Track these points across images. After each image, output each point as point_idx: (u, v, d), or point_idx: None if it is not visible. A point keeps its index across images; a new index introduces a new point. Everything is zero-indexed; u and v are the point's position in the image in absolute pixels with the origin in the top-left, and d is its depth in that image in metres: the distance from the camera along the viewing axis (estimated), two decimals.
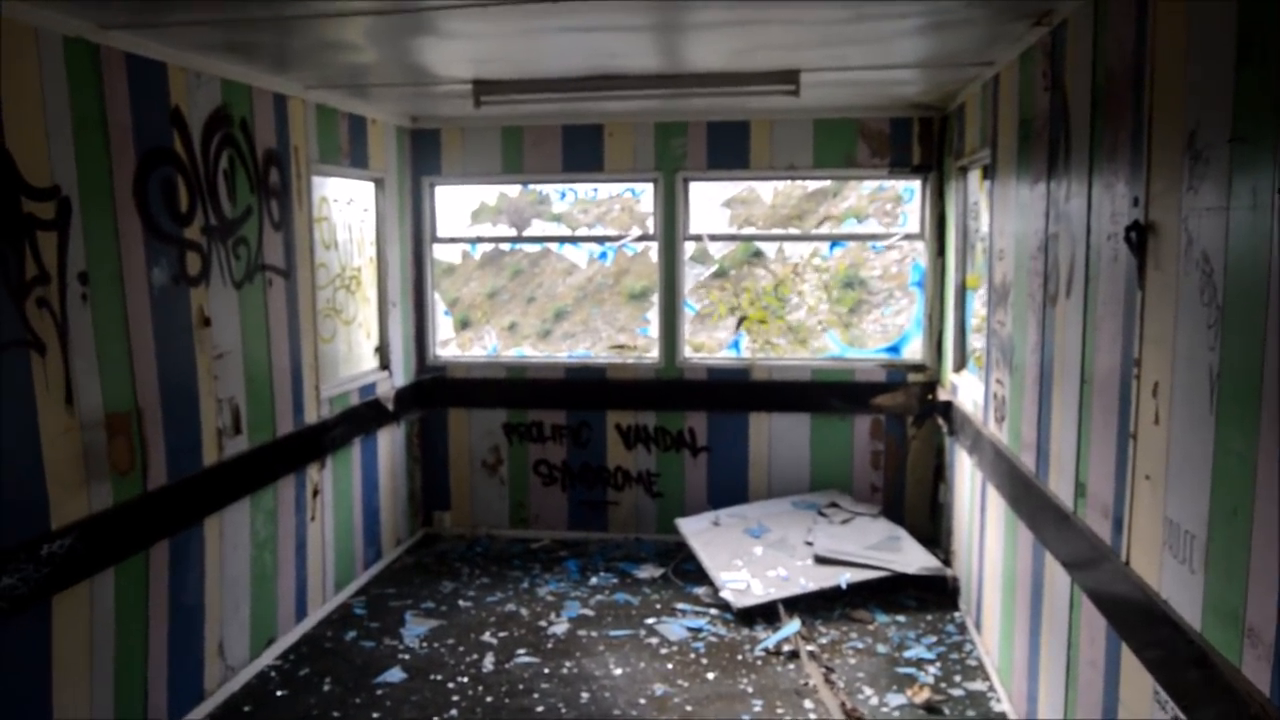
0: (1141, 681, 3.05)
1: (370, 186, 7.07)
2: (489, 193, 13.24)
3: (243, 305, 5.27)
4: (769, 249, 8.02)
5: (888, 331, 8.38)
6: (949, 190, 6.90)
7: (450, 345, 7.99)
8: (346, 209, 6.71)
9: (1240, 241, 2.46)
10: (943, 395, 6.88)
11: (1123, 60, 3.37)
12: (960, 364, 6.70)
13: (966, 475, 6.11)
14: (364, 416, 6.78)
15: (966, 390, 6.21)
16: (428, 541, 7.71)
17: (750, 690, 5.20)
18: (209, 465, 4.97)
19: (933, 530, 7.23)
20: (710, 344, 12.07)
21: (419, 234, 7.66)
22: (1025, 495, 4.59)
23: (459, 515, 7.88)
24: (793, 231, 9.02)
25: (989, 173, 5.77)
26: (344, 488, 6.56)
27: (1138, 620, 3.09)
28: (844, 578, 6.23)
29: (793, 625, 5.81)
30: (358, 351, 6.89)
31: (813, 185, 9.75)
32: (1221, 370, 2.53)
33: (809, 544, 6.67)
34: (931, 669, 5.42)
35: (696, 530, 6.97)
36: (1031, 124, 4.61)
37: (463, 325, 18.21)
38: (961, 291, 6.67)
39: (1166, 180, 2.96)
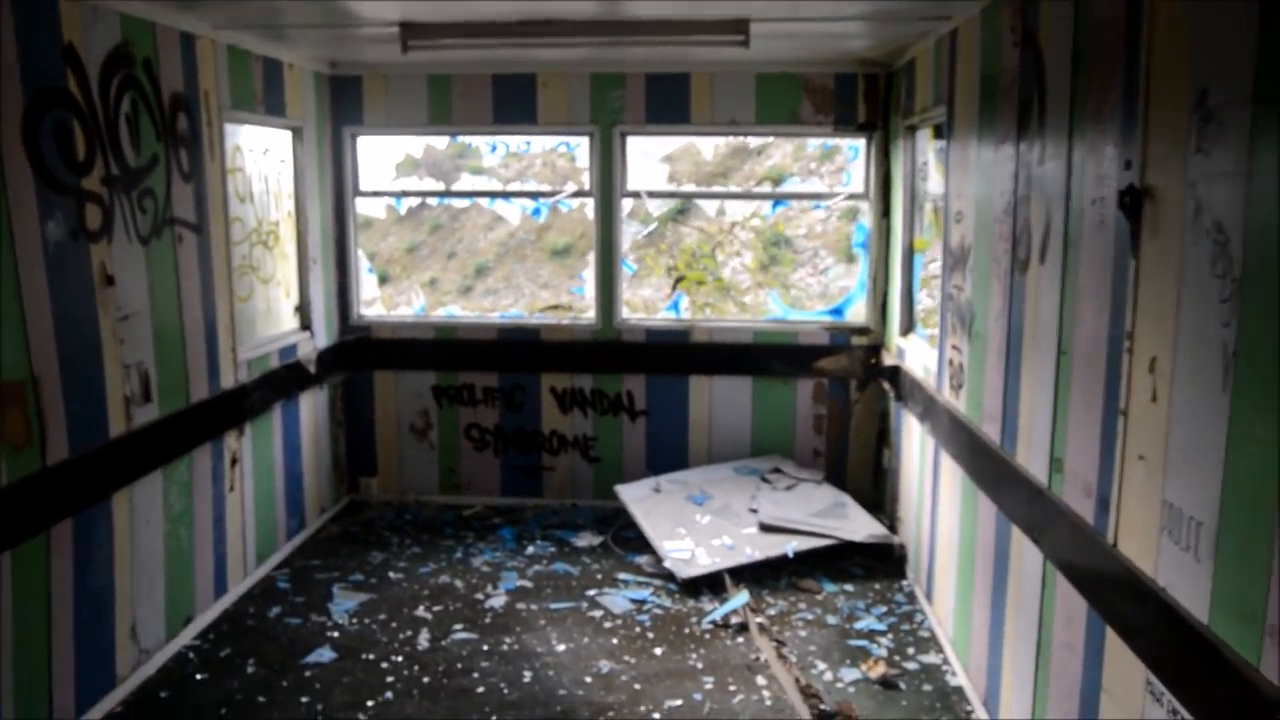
0: (1130, 668, 2.91)
1: (288, 136, 6.61)
2: (412, 145, 12.74)
3: (150, 262, 4.85)
4: (707, 207, 7.73)
5: (828, 294, 8.22)
6: (895, 149, 6.70)
7: (375, 305, 7.58)
8: (262, 160, 6.26)
9: (1264, 211, 2.27)
10: (888, 359, 6.73)
11: (1114, 14, 3.15)
12: (907, 328, 6.54)
13: (915, 442, 5.97)
14: (284, 380, 6.39)
15: (915, 355, 6.06)
16: (354, 509, 7.37)
17: (700, 666, 5.02)
18: (116, 436, 4.57)
19: (876, 496, 7.11)
20: (636, 302, 11.81)
21: (340, 187, 7.23)
22: (987, 466, 4.44)
23: (386, 481, 7.55)
24: (733, 189, 8.76)
25: (943, 132, 5.58)
26: (264, 455, 6.18)
27: (1127, 605, 2.94)
28: (790, 546, 6.07)
29: (741, 597, 5.64)
30: (277, 311, 6.48)
31: (754, 142, 9.53)
32: (1238, 349, 2.35)
33: (753, 511, 6.49)
34: (884, 641, 5.29)
35: (637, 497, 6.75)
36: (997, 81, 4.40)
37: (382, 280, 17.70)
38: (909, 254, 6.50)
39: (1167, 142, 2.76)
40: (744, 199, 7.37)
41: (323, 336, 7.02)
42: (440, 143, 10.54)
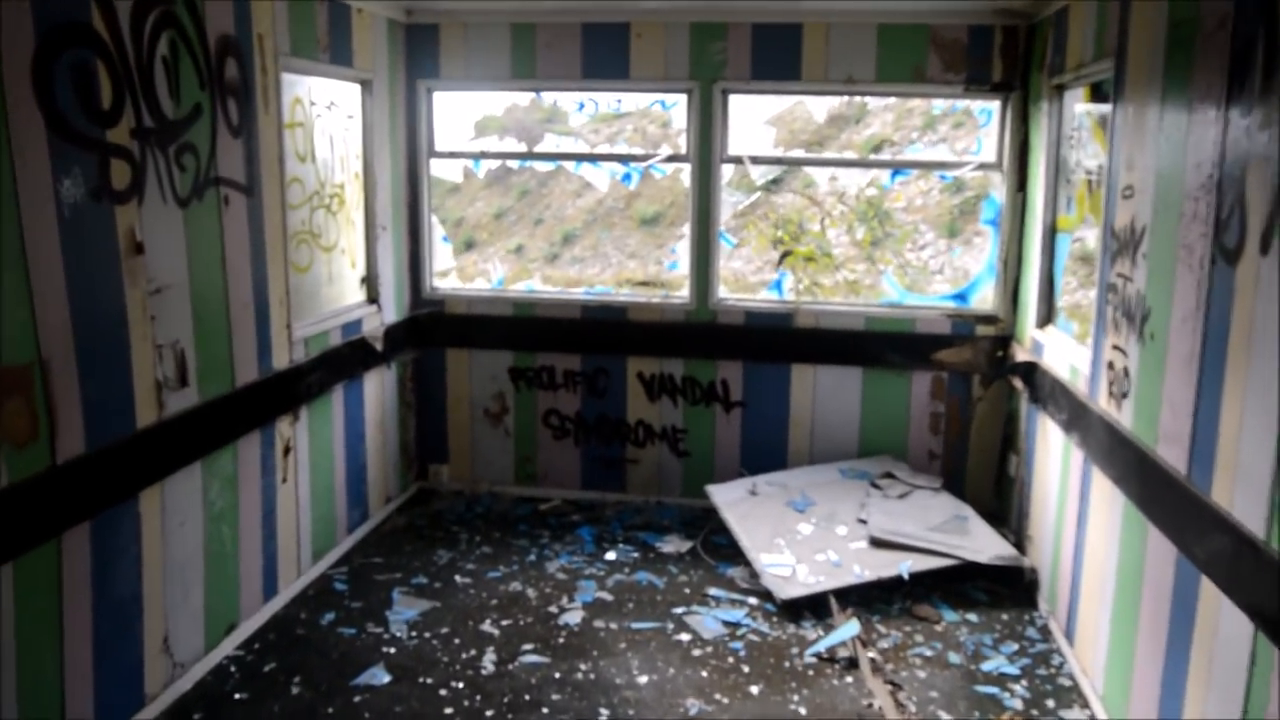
0: None
1: (356, 89, 6.00)
2: (494, 104, 12.09)
3: (190, 228, 4.27)
4: (815, 177, 6.93)
5: (952, 276, 7.36)
6: (1036, 113, 5.84)
7: (450, 276, 6.99)
8: (326, 115, 5.66)
9: None
10: (1021, 354, 5.90)
11: None
12: (1046, 319, 5.71)
13: (1055, 452, 5.16)
14: (347, 358, 5.82)
15: (1058, 351, 5.23)
16: (422, 498, 6.81)
17: (804, 712, 4.31)
18: (145, 427, 4.01)
19: (998, 507, 6.31)
20: (726, 275, 11.02)
21: (414, 147, 6.62)
22: (1164, 498, 3.64)
23: (458, 469, 6.97)
24: (848, 156, 7.90)
25: (1103, 92, 4.73)
26: (322, 442, 5.62)
27: None
28: (905, 566, 5.32)
29: (850, 627, 4.91)
30: (340, 283, 5.90)
31: (872, 103, 8.63)
32: None
33: (862, 522, 5.75)
34: (1017, 688, 4.52)
35: (731, 500, 6.05)
36: (1195, 26, 3.55)
37: (467, 247, 17.22)
38: (1050, 233, 5.65)
39: None
40: (861, 166, 6.60)
41: (391, 311, 6.43)
42: (523, 102, 9.91)
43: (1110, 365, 4.34)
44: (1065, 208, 5.47)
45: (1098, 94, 4.95)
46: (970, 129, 13.50)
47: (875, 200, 6.78)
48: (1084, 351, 4.79)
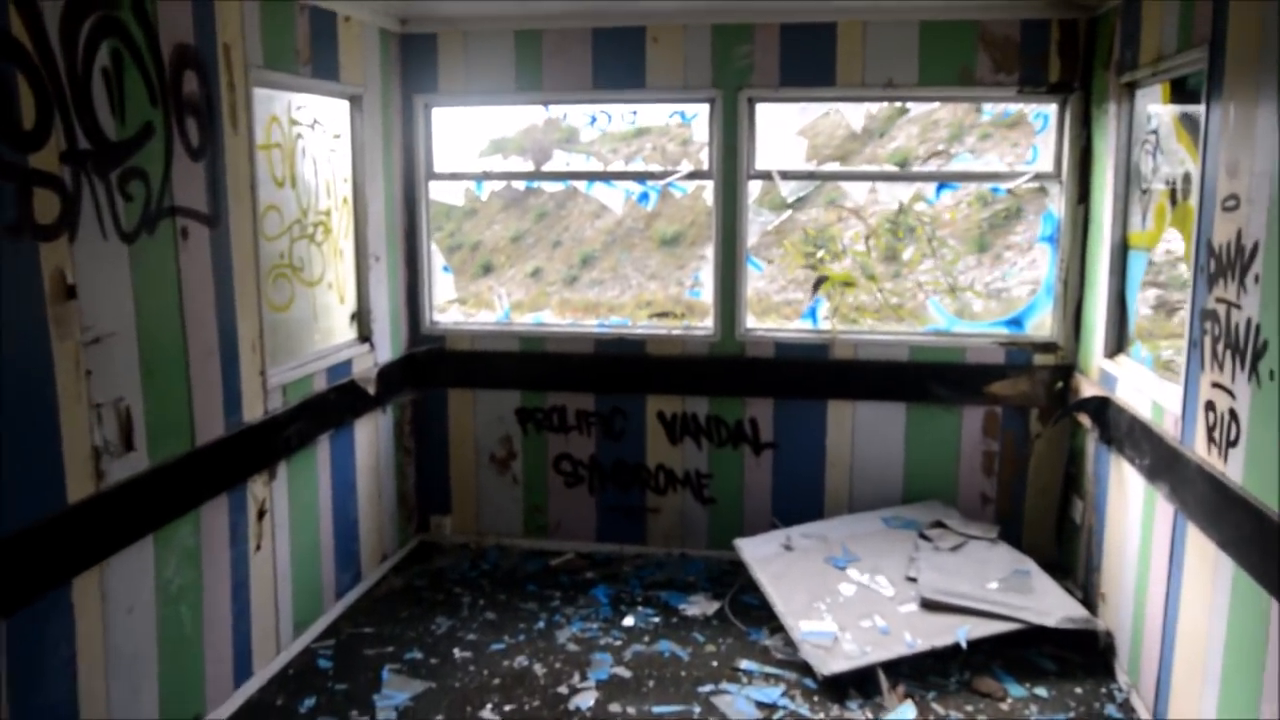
0: None
1: (343, 106, 5.44)
2: (508, 123, 11.52)
3: (138, 266, 3.70)
4: (857, 193, 6.29)
5: (1004, 301, 6.69)
6: (1100, 116, 5.21)
7: (451, 310, 6.39)
8: (309, 135, 5.10)
9: None
10: (1087, 387, 5.24)
11: None
12: (1116, 347, 5.06)
13: (1137, 502, 4.50)
14: (334, 405, 5.23)
15: (1134, 386, 4.59)
16: (422, 554, 6.20)
17: None
18: (78, 500, 3.42)
19: (1061, 557, 5.65)
20: (749, 296, 10.40)
21: (410, 168, 6.05)
22: None
23: (462, 521, 6.36)
24: (888, 169, 7.24)
25: (1193, 88, 4.11)
26: (306, 500, 5.04)
27: None
28: (963, 632, 4.67)
29: (905, 711, 4.26)
30: (326, 321, 5.33)
31: (915, 108, 8.00)
32: None
33: (911, 580, 5.10)
34: None
35: (763, 557, 5.41)
36: None
37: (484, 271, 16.71)
38: (1120, 250, 5.00)
39: None
40: (907, 180, 5.96)
41: (386, 349, 5.85)
42: (539, 122, 9.33)
43: (1210, 407, 3.69)
44: (1139, 222, 4.82)
45: (1180, 92, 4.31)
46: (999, 140, 12.84)
47: (924, 214, 6.13)
48: (1172, 389, 4.14)
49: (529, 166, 6.38)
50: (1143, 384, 4.51)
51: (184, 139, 3.96)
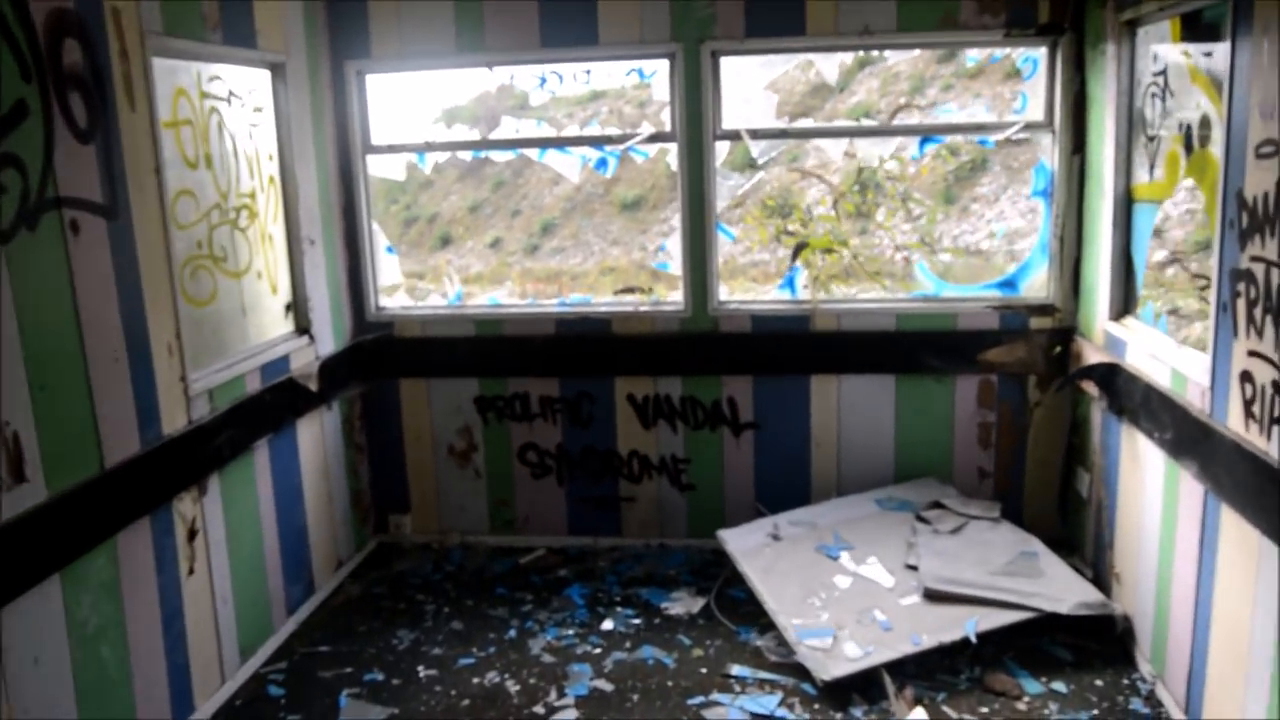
0: None
1: (265, 75, 4.91)
2: (458, 89, 10.87)
3: (15, 268, 3.18)
4: (832, 150, 5.80)
5: (981, 256, 6.30)
6: (1096, 58, 4.78)
7: (399, 294, 5.88)
8: (226, 109, 4.57)
9: None
10: (1091, 352, 4.85)
11: None
12: (1122, 309, 4.66)
13: (1156, 478, 4.12)
14: (271, 405, 4.75)
15: (1148, 351, 4.19)
16: (381, 557, 5.75)
17: None
18: None
19: (1066, 533, 5.29)
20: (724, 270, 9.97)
21: (345, 142, 5.52)
22: None
23: (423, 520, 5.91)
24: (866, 124, 6.77)
25: (1210, 23, 3.69)
26: (244, 513, 4.57)
27: None
28: (971, 625, 4.30)
29: (916, 715, 3.88)
30: (257, 315, 4.82)
31: (892, 68, 7.52)
32: None
33: (911, 568, 4.72)
34: None
35: (749, 548, 5.01)
36: None
37: (443, 243, 16.18)
38: (1124, 204, 4.59)
39: None
40: (886, 135, 5.49)
41: (328, 340, 5.36)
42: (487, 85, 8.76)
43: (1247, 378, 3.29)
44: (1146, 173, 4.40)
45: (1194, 28, 3.88)
46: (960, 92, 12.42)
47: (892, 172, 5.68)
48: (1198, 357, 3.74)
49: (477, 135, 5.84)
50: (1159, 350, 4.11)
51: (68, 119, 3.44)
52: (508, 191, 16.07)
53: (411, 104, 5.66)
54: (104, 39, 3.64)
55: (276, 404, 4.79)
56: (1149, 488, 4.20)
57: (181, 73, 4.24)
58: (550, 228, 15.48)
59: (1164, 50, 4.16)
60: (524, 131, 5.56)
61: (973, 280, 7.94)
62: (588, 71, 5.38)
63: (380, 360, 5.68)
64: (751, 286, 5.32)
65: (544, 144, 5.54)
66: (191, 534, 4.14)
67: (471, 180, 16.33)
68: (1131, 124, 4.52)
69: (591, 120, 13.49)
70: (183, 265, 4.19)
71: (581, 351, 5.54)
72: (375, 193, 5.68)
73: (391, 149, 5.60)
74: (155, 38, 3.92)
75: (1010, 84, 11.49)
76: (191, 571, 4.14)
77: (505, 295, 13.96)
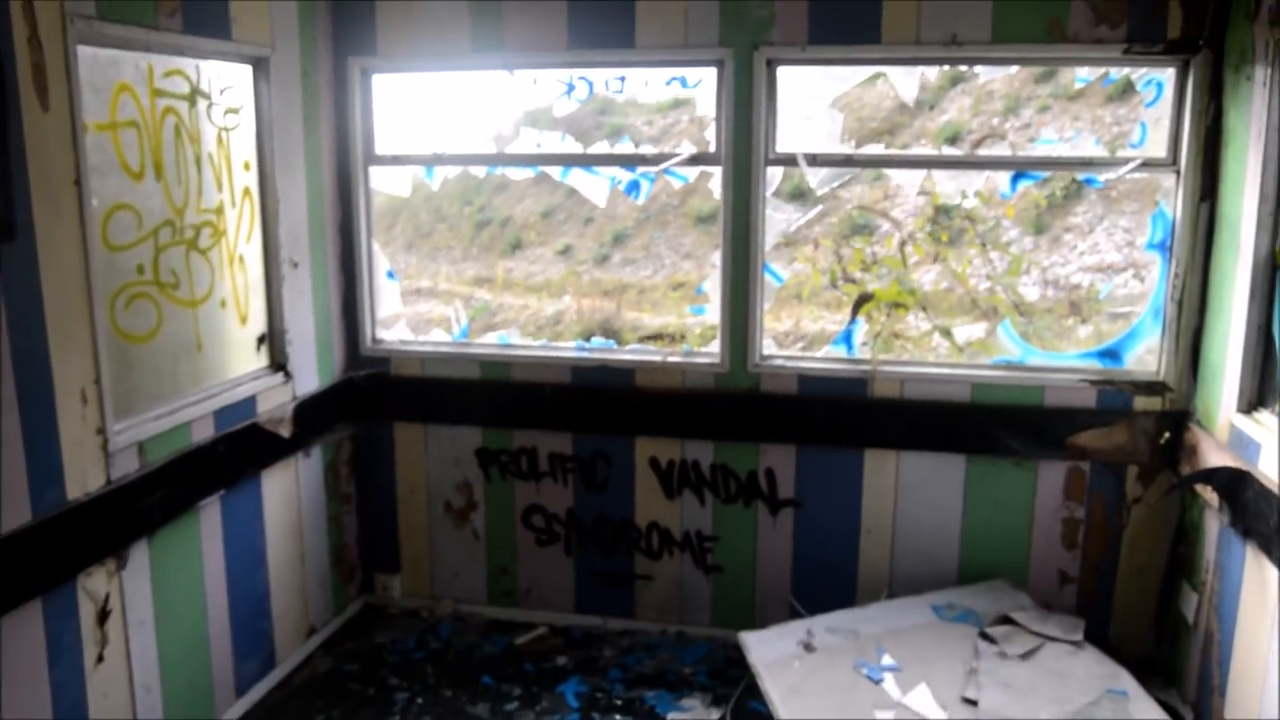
0: None
1: (244, 72, 4.25)
2: (547, 91, 10.30)
3: None
4: (907, 182, 4.96)
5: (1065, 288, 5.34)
6: (1238, 84, 3.87)
7: (397, 325, 5.18)
8: (185, 109, 3.91)
9: None
10: (1209, 447, 3.94)
11: None
12: (1256, 399, 3.75)
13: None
14: (226, 457, 4.08)
15: None
16: (365, 622, 5.07)
17: None
18: None
19: (1162, 656, 4.39)
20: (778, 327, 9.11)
21: (344, 151, 4.84)
22: None
23: (414, 581, 5.20)
24: (950, 153, 5.88)
25: None
26: (182, 585, 3.90)
27: None
28: None
29: None
30: (217, 349, 4.15)
31: (985, 84, 6.55)
32: None
33: (969, 701, 3.86)
34: None
35: (776, 659, 4.18)
36: None
37: (513, 248, 15.61)
38: (1269, 269, 3.68)
39: None
40: (970, 167, 4.67)
41: (310, 377, 4.68)
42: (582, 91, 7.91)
43: None
44: None
45: None
46: (1058, 113, 11.36)
47: (973, 211, 4.80)
48: None
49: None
50: None
51: None
52: (581, 198, 15.52)
53: (419, 110, 4.94)
54: (4, 22, 2.98)
55: (233, 454, 4.12)
56: (1270, 620, 3.30)
57: (126, 65, 3.59)
58: (622, 238, 14.87)
59: None
60: (546, 145, 4.81)
61: (1059, 331, 6.99)
62: (621, 79, 4.62)
63: (373, 400, 5.00)
64: (809, 352, 4.53)
65: (569, 161, 4.79)
66: (103, 614, 3.48)
67: (547, 184, 15.81)
68: None
69: (622, 134, 12.87)
70: (115, 294, 3.55)
71: (599, 405, 4.79)
72: (379, 206, 4.99)
73: (397, 160, 4.90)
74: (83, 22, 3.27)
75: (1113, 107, 10.45)
76: (101, 659, 3.48)
77: (563, 307, 13.31)
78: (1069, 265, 10.25)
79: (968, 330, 6.34)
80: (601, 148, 4.87)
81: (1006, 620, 4.27)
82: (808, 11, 4.29)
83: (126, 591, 3.59)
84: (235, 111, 4.20)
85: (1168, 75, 4.21)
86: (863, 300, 4.61)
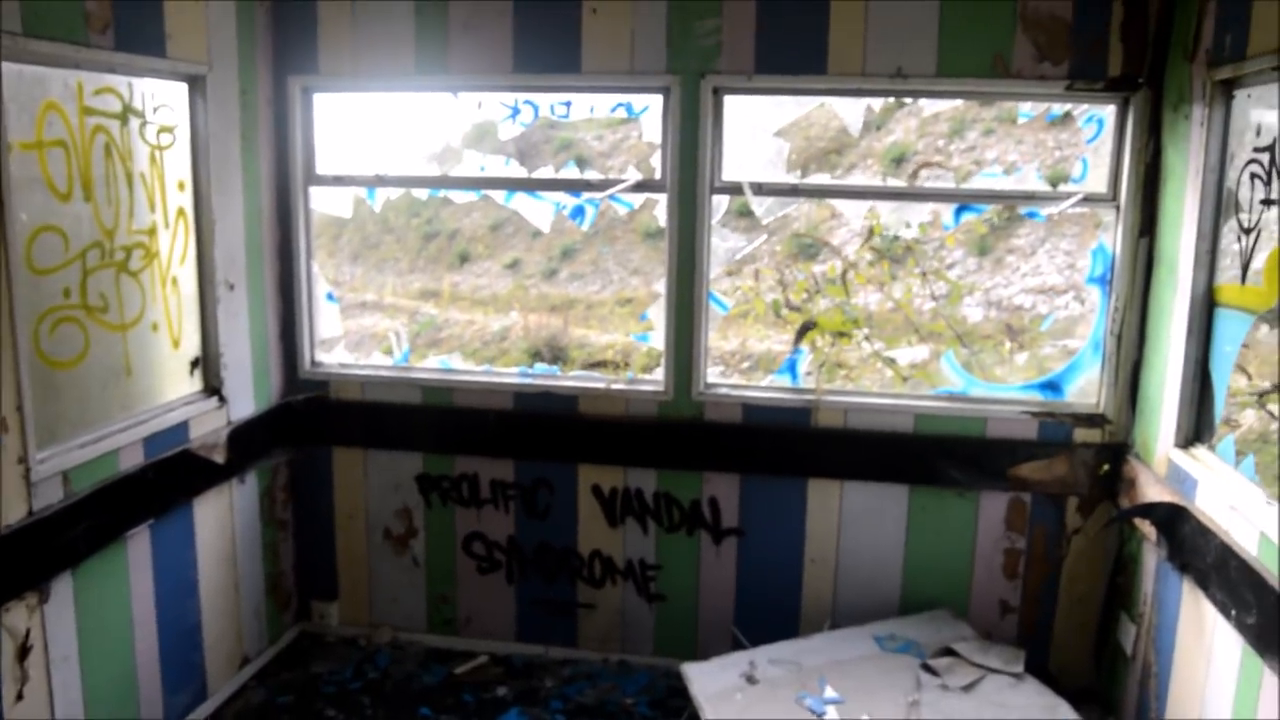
0: None
1: (179, 90, 4.14)
2: (492, 112, 10.26)
3: None
4: (851, 205, 4.97)
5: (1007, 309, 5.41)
6: (1176, 122, 3.93)
7: (337, 347, 5.09)
8: (117, 128, 3.80)
9: None
10: (1148, 481, 3.98)
11: None
12: (1193, 435, 3.79)
13: (1230, 665, 3.25)
14: (156, 484, 3.96)
15: (1226, 498, 3.33)
16: (299, 653, 4.95)
17: None
18: None
19: (1100, 687, 4.42)
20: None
21: (283, 171, 4.75)
22: None
23: (352, 609, 5.10)
24: (892, 184, 5.92)
25: None
26: (109, 617, 3.78)
27: None
28: None
29: None
30: (148, 374, 4.03)
31: (931, 108, 6.66)
32: None
33: None
34: None
35: (717, 692, 4.14)
36: None
37: (461, 260, 15.49)
38: (1205, 305, 3.73)
39: None
40: (913, 199, 4.66)
41: (246, 401, 4.57)
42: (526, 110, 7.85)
43: None
44: (1238, 270, 3.54)
45: None
46: (1002, 137, 11.51)
47: (913, 241, 4.82)
48: None
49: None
50: (1243, 502, 3.24)
51: None
52: None
53: (361, 129, 4.86)
54: None
55: (164, 482, 4.01)
56: (1218, 673, 3.33)
57: (54, 83, 3.47)
58: (570, 252, 14.83)
59: (1272, 121, 3.30)
60: (491, 169, 4.76)
61: (999, 359, 7.07)
62: (566, 104, 4.58)
63: (312, 425, 4.90)
64: (753, 380, 4.51)
65: (513, 186, 4.74)
66: (23, 651, 3.35)
67: (496, 197, 15.75)
68: (1220, 208, 3.66)
69: (566, 159, 12.83)
70: (39, 318, 3.43)
71: (542, 431, 4.73)
72: (323, 219, 4.90)
73: (338, 181, 4.81)
74: (9, 39, 3.16)
75: (1055, 131, 10.62)
76: (20, 696, 3.35)
77: (510, 323, 13.21)
78: (1011, 287, 10.38)
79: (911, 353, 6.41)
80: (548, 170, 4.83)
81: (948, 652, 4.27)
82: (755, 41, 4.29)
83: (49, 626, 3.46)
84: (170, 130, 4.09)
85: (1108, 112, 4.26)
86: (806, 328, 4.61)
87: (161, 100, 4.02)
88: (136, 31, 3.75)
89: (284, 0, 4.61)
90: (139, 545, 3.93)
